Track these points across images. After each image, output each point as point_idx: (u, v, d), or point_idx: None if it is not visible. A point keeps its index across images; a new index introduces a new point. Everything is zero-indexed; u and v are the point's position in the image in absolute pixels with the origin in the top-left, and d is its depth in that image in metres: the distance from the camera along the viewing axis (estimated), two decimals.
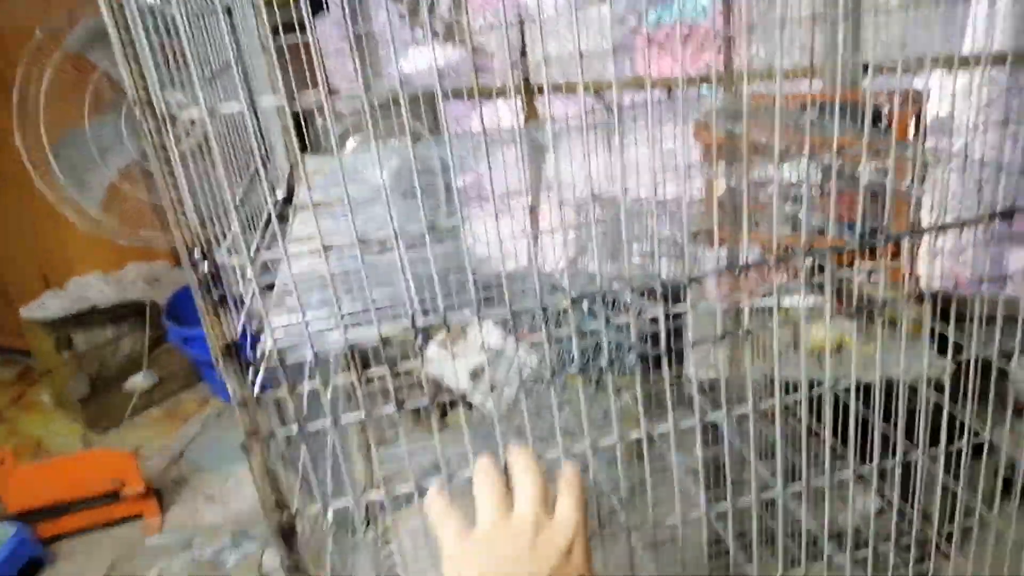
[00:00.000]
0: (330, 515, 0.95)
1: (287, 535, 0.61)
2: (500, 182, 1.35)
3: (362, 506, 0.96)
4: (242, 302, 0.64)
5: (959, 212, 0.65)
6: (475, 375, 2.69)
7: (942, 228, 0.64)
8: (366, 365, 0.87)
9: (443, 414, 2.39)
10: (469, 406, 2.86)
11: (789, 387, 1.39)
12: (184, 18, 0.59)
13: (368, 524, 1.35)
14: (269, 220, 0.95)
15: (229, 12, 0.93)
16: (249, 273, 0.57)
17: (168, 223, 0.57)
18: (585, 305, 0.69)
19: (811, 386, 0.91)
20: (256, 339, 0.60)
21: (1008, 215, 0.63)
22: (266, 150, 1.06)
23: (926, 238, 0.75)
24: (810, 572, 1.06)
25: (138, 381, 3.45)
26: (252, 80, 1.02)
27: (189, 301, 0.64)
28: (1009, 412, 0.86)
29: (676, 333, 0.94)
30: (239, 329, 0.61)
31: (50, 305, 3.24)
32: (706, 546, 1.04)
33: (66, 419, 3.47)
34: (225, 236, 0.66)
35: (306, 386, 0.60)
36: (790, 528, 1.39)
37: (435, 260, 0.66)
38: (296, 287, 0.58)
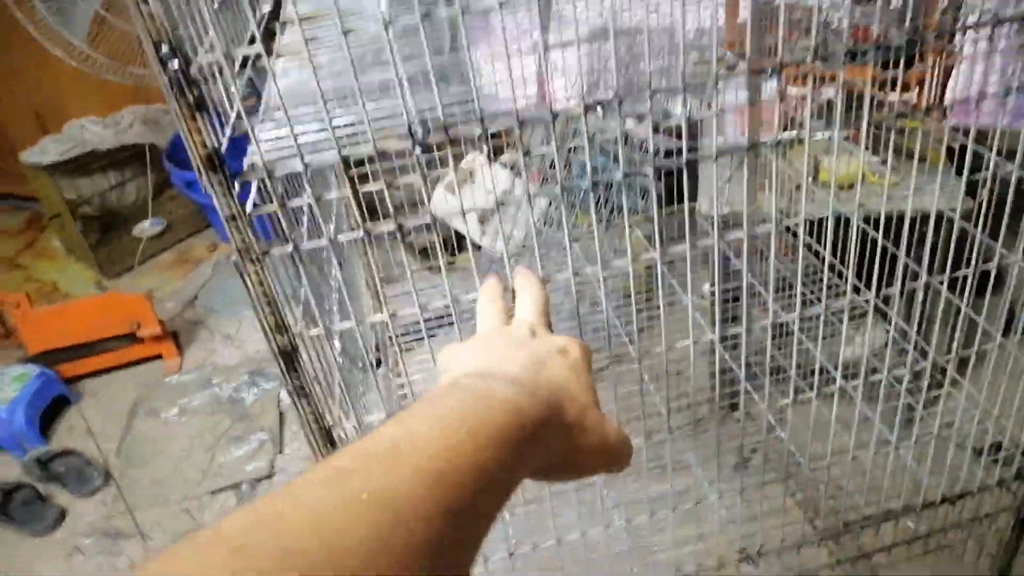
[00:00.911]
0: (336, 341, 0.95)
1: (288, 357, 0.59)
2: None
3: (367, 332, 0.95)
4: (226, 113, 0.59)
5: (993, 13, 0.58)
6: (484, 218, 2.66)
7: (971, 27, 0.57)
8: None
9: (452, 254, 2.38)
10: (478, 247, 2.85)
11: (810, 223, 1.35)
12: None
13: (379, 362, 1.36)
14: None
15: None
16: (229, 76, 0.52)
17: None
18: (596, 138, 0.64)
19: (837, 220, 0.87)
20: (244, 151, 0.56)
21: None
22: None
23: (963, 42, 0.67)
24: (816, 403, 1.07)
25: (146, 227, 3.45)
26: None
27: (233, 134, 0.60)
28: (1020, 244, 0.82)
29: (690, 169, 0.88)
30: (225, 139, 0.57)
31: (50, 150, 3.17)
32: (717, 376, 1.04)
33: (79, 264, 3.50)
34: (202, 42, 0.60)
35: (306, 200, 0.56)
36: (799, 360, 1.40)
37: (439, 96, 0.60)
38: (281, 97, 0.53)
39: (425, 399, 0.40)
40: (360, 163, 0.61)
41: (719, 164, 0.73)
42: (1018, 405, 0.94)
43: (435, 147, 0.56)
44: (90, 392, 2.80)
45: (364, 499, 0.30)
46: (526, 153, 0.66)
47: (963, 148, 0.94)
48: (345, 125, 0.57)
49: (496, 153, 2.71)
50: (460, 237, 2.74)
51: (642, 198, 2.05)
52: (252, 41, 0.78)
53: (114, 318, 2.72)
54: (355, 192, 0.64)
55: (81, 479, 2.37)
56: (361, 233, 0.56)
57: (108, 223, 3.46)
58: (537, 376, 0.44)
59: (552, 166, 2.47)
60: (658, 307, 0.91)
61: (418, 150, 0.51)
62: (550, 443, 0.42)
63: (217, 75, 0.55)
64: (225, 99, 0.60)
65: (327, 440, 0.66)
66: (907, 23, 0.59)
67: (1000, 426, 0.94)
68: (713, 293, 1.38)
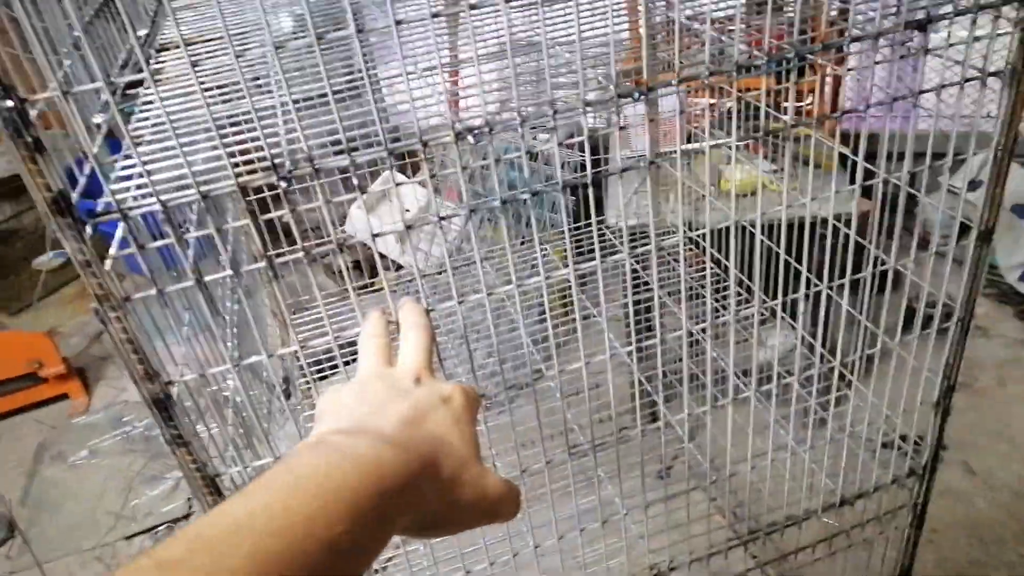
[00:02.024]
0: (231, 380, 0.90)
1: (162, 406, 0.56)
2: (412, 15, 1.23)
3: (272, 366, 0.91)
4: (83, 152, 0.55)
5: (879, 18, 0.59)
6: (402, 237, 2.62)
7: (855, 39, 0.58)
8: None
9: (371, 276, 2.34)
10: (398, 267, 2.81)
11: (713, 232, 1.37)
12: None
13: (289, 395, 1.31)
14: (126, 63, 0.83)
15: None
16: (74, 111, 0.48)
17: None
18: (504, 154, 0.63)
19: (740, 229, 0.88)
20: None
21: (922, 26, 0.57)
22: None
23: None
24: (729, 410, 1.08)
25: (46, 259, 3.27)
26: None
27: (91, 172, 0.55)
28: (914, 243, 0.85)
29: (596, 183, 0.88)
30: (82, 178, 0.53)
31: None
32: (632, 387, 1.04)
33: None
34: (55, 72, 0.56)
35: (194, 236, 0.53)
36: (715, 367, 1.41)
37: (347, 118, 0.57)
38: (127, 131, 0.50)
39: (284, 462, 0.38)
40: (272, 187, 0.58)
41: (625, 178, 0.73)
42: (907, 404, 0.96)
43: (326, 175, 0.53)
44: None
45: None
46: (432, 176, 0.64)
47: (855, 153, 0.97)
48: (208, 159, 0.54)
49: (415, 171, 2.68)
50: (383, 257, 2.70)
51: (553, 212, 2.06)
52: (124, 68, 0.74)
53: (13, 358, 2.57)
54: (255, 220, 0.60)
55: None
56: (228, 272, 0.53)
57: (5, 256, 3.28)
58: (413, 432, 0.43)
59: (469, 180, 2.46)
60: (582, 321, 0.90)
61: (283, 184, 0.49)
62: (421, 500, 0.40)
63: (71, 112, 0.52)
64: (80, 132, 0.56)
65: (213, 489, 0.62)
66: (796, 36, 0.60)
67: (893, 424, 0.97)
68: (625, 306, 1.39)
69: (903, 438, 1.03)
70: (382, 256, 2.61)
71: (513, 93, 0.60)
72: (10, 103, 0.44)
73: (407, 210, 2.76)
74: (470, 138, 0.50)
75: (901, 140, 0.87)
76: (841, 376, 1.05)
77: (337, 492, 0.35)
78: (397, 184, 0.63)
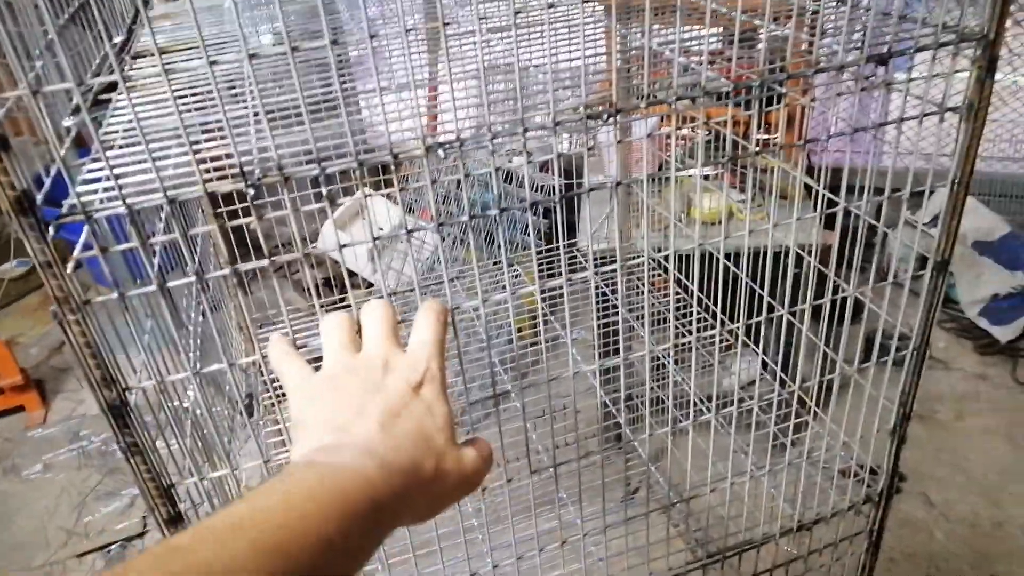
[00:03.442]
0: (191, 391, 0.89)
1: (118, 412, 0.55)
2: (393, 32, 1.24)
3: (234, 378, 0.91)
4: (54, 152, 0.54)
5: (842, 51, 0.61)
6: (373, 255, 2.61)
7: (819, 71, 0.60)
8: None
9: (342, 293, 2.32)
10: (369, 286, 2.80)
11: (680, 257, 1.39)
12: None
13: (252, 412, 1.30)
14: (100, 68, 0.83)
15: None
16: (42, 111, 0.48)
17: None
18: (476, 173, 0.64)
19: (708, 256, 0.90)
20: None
21: (883, 60, 0.59)
22: None
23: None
24: (695, 433, 1.09)
25: (8, 268, 3.21)
26: None
27: (59, 180, 0.55)
28: (872, 273, 0.87)
29: (570, 206, 0.89)
30: (48, 179, 0.53)
31: None
32: (599, 409, 1.04)
33: None
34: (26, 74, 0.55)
35: (158, 240, 0.52)
36: (678, 391, 1.42)
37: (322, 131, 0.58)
38: (96, 135, 0.50)
39: (279, 475, 0.41)
40: (242, 197, 0.58)
41: (596, 200, 0.74)
42: (865, 432, 0.98)
43: (296, 186, 0.54)
44: None
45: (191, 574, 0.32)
46: (402, 189, 0.64)
47: (819, 184, 0.99)
48: (177, 165, 0.53)
49: (388, 188, 2.68)
50: (352, 274, 2.69)
51: (525, 234, 2.07)
52: (98, 74, 0.73)
53: None
54: (223, 229, 0.60)
55: None
56: (192, 278, 0.53)
57: None
58: (392, 434, 0.44)
59: (443, 201, 2.47)
60: (548, 342, 0.91)
61: (251, 192, 0.49)
62: (408, 504, 0.43)
63: (38, 112, 0.51)
64: (50, 137, 0.56)
65: (168, 500, 0.61)
66: (763, 65, 0.61)
67: (851, 451, 0.98)
68: (594, 328, 1.40)
69: (860, 465, 1.05)
70: (352, 274, 2.60)
71: (485, 111, 0.61)
72: None
73: (380, 228, 2.76)
74: (440, 152, 0.51)
75: (864, 175, 0.89)
76: (801, 403, 1.07)
77: (330, 495, 0.38)
78: (366, 195, 0.63)
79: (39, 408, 2.66)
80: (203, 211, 1.23)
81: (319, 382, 0.49)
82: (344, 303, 2.20)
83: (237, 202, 1.38)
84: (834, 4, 0.75)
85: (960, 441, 2.37)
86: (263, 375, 1.44)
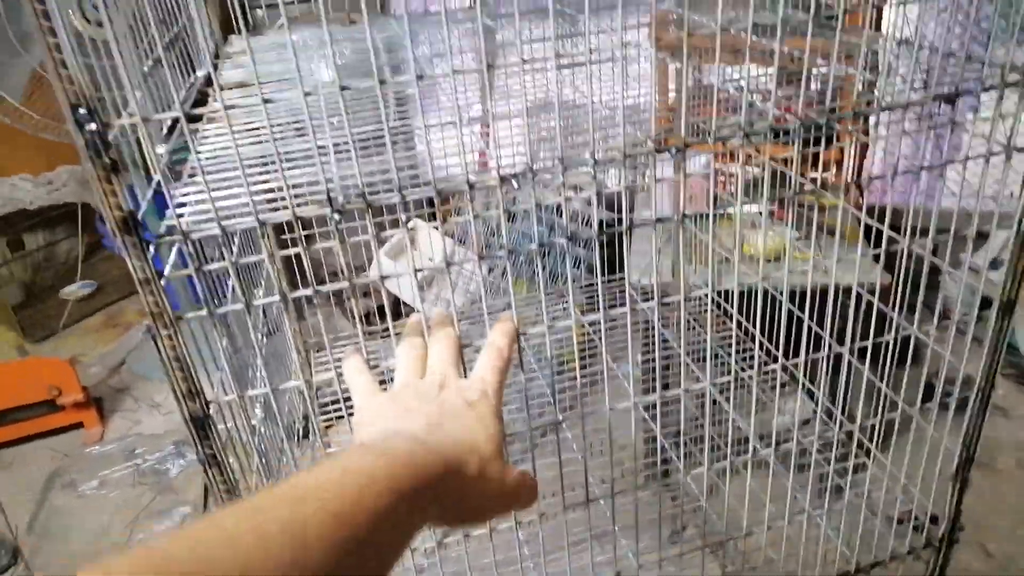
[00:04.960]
0: (258, 409, 0.92)
1: (200, 425, 0.58)
2: (452, 86, 1.29)
3: (290, 399, 0.93)
4: (148, 175, 0.58)
5: (909, 91, 0.62)
6: (424, 284, 2.66)
7: (885, 108, 0.61)
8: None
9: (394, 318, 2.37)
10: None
11: (731, 294, 1.39)
12: None
13: (307, 434, 1.33)
14: (187, 99, 0.88)
15: None
16: (148, 140, 0.52)
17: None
18: (535, 210, 0.66)
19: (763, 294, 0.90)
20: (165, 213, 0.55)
21: (950, 99, 0.60)
22: (185, 25, 0.97)
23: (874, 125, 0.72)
24: (743, 472, 1.08)
25: (74, 288, 3.34)
26: None
27: (133, 199, 0.59)
28: (936, 316, 0.86)
29: (619, 241, 0.91)
30: (145, 201, 0.56)
31: None
32: (645, 444, 1.04)
33: (1, 328, 3.35)
34: (128, 105, 0.60)
35: (226, 264, 0.56)
36: (725, 430, 1.41)
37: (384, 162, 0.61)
38: (200, 162, 0.53)
39: (337, 456, 0.44)
40: (306, 225, 0.62)
41: (643, 235, 0.75)
42: (925, 475, 0.96)
43: (372, 213, 0.56)
44: (3, 464, 2.65)
45: (273, 529, 0.36)
46: (445, 218, 0.67)
47: (878, 225, 0.99)
48: (267, 191, 0.57)
49: (435, 220, 2.73)
50: (402, 303, 2.73)
51: (576, 266, 2.09)
52: (189, 103, 0.78)
53: (33, 384, 2.60)
54: (279, 255, 0.62)
55: None
56: (275, 296, 0.56)
57: (34, 284, 3.35)
58: (439, 433, 0.48)
59: (492, 234, 2.50)
60: (596, 374, 0.92)
61: (336, 217, 0.52)
62: (448, 492, 0.46)
63: (142, 137, 0.55)
64: (152, 161, 0.60)
65: None
66: (826, 104, 0.63)
67: (911, 495, 0.96)
68: (645, 362, 1.40)
69: (920, 511, 1.02)
70: (403, 303, 2.64)
71: (552, 144, 0.63)
72: (93, 126, 0.48)
73: (430, 259, 2.80)
74: (514, 182, 0.53)
75: (925, 216, 0.89)
76: (859, 444, 1.05)
77: (382, 476, 0.42)
78: (409, 228, 0.65)
79: (97, 425, 2.75)
80: (267, 237, 1.28)
81: (384, 398, 0.54)
82: (391, 331, 2.24)
83: (298, 230, 1.43)
84: (897, 45, 0.76)
85: (1021, 491, 2.29)
86: (318, 398, 1.47)
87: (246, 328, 1.01)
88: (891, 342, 0.92)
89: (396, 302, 2.63)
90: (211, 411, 0.59)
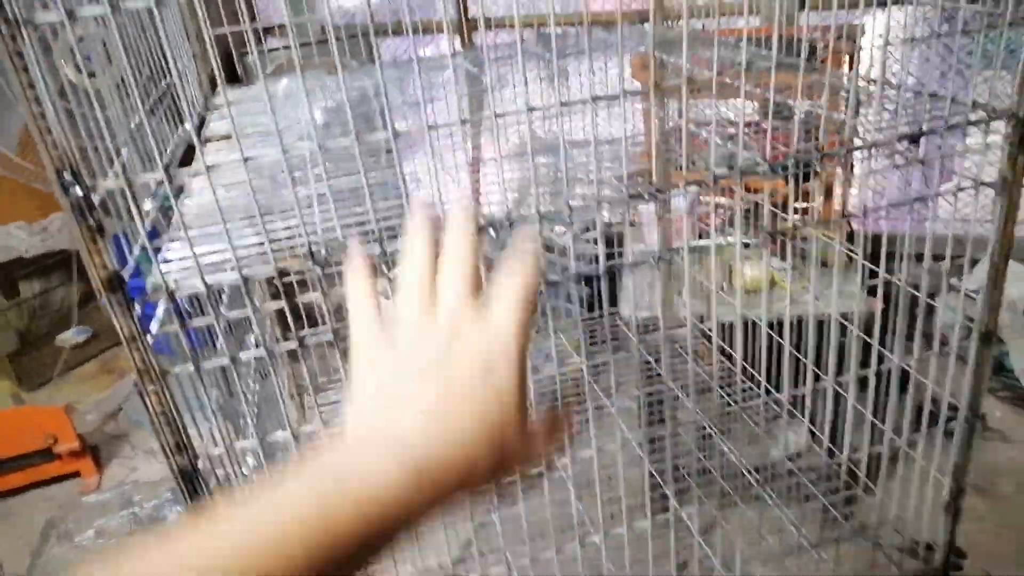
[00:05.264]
0: (250, 458, 0.93)
1: (189, 478, 0.58)
2: (440, 117, 1.31)
3: (282, 446, 0.93)
4: (133, 232, 0.59)
5: (875, 136, 0.64)
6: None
7: (851, 149, 0.63)
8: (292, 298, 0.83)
9: None
10: None
11: (724, 326, 1.40)
12: None
13: None
14: (176, 152, 0.90)
15: None
16: (133, 199, 0.53)
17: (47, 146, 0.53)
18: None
19: (752, 327, 0.91)
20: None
21: (915, 139, 0.62)
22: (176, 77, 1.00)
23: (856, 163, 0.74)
24: (742, 507, 1.08)
25: (69, 336, 3.33)
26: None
27: (119, 252, 0.60)
28: (916, 342, 0.87)
29: (611, 275, 0.92)
30: (132, 258, 0.57)
31: None
32: (644, 479, 1.04)
33: None
34: (113, 162, 0.61)
35: (215, 319, 0.57)
36: (722, 465, 1.41)
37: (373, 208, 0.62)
38: (182, 219, 0.54)
39: (286, 478, 0.37)
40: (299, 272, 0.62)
41: (638, 271, 0.76)
42: (917, 505, 0.96)
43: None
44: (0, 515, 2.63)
45: None
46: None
47: (865, 251, 1.00)
48: (251, 245, 0.58)
49: None
50: None
51: (568, 302, 2.10)
52: (177, 158, 0.80)
53: (29, 432, 2.59)
54: (268, 308, 0.64)
55: None
56: (262, 351, 0.57)
57: (29, 332, 3.34)
58: (441, 427, 0.39)
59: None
60: (588, 412, 0.92)
61: (318, 269, 0.53)
62: (440, 501, 0.39)
63: (127, 197, 0.57)
64: (136, 218, 0.61)
65: None
66: (803, 142, 0.64)
67: (906, 525, 0.96)
68: (639, 397, 1.40)
69: (915, 541, 1.02)
70: None
71: (533, 191, 0.65)
72: (79, 190, 0.49)
73: None
74: (491, 231, 0.54)
75: (915, 243, 0.90)
76: (852, 475, 1.05)
77: (330, 502, 0.36)
78: (391, 280, 0.66)
79: (94, 474, 2.73)
80: (250, 293, 1.29)
81: (384, 345, 0.43)
82: None
83: (278, 282, 1.45)
84: (867, 83, 0.78)
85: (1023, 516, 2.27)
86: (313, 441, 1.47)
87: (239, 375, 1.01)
88: (882, 371, 0.93)
89: None
90: (199, 464, 0.60)
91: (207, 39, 1.04)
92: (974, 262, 0.80)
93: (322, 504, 0.35)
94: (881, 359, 0.90)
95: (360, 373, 0.43)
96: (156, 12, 0.51)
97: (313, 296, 0.56)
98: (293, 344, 0.56)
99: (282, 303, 0.58)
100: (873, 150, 0.69)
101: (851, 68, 1.31)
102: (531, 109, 0.59)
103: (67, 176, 0.48)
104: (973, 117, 0.64)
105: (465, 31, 2.12)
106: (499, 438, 0.40)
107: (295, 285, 1.41)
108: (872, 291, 1.10)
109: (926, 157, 0.63)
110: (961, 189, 0.68)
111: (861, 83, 0.87)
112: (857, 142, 0.68)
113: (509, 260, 0.43)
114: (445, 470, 0.39)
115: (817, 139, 0.89)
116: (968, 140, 0.69)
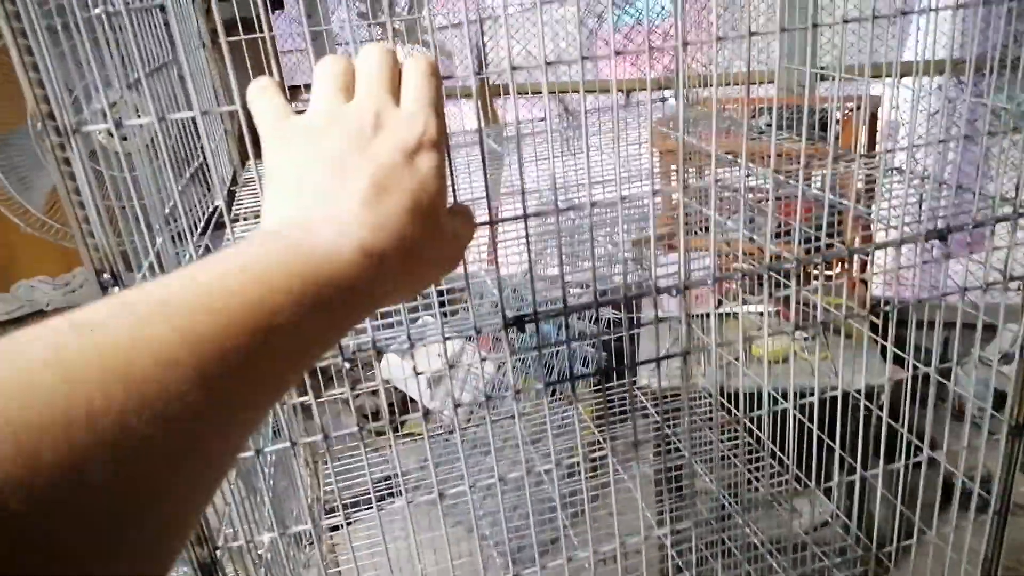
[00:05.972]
0: (264, 549, 0.92)
1: (208, 572, 0.57)
2: (461, 188, 1.33)
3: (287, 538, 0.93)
4: None
5: (901, 227, 0.64)
6: (432, 382, 2.66)
7: (879, 246, 0.63)
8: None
9: (402, 414, 2.36)
10: (427, 412, 2.83)
11: (741, 398, 1.39)
12: (104, 17, 0.56)
13: (314, 544, 1.31)
14: (205, 229, 0.91)
15: (162, 8, 0.89)
16: None
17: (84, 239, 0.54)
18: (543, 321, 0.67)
19: (773, 400, 0.90)
20: None
21: (942, 236, 0.62)
22: (205, 157, 1.02)
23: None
24: None
25: None
26: (189, 83, 0.98)
27: None
28: (947, 417, 0.85)
29: (629, 341, 0.92)
30: None
31: None
32: (667, 559, 1.02)
33: None
34: (148, 252, 0.62)
35: None
36: (742, 542, 1.38)
37: None
38: None
39: (238, 245, 0.35)
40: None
41: (652, 335, 0.76)
42: None
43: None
44: None
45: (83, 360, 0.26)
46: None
47: (885, 324, 0.99)
48: None
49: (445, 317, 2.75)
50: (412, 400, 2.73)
51: (583, 365, 2.09)
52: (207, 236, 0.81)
53: None
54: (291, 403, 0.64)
55: None
56: (288, 444, 0.56)
57: None
58: (377, 212, 0.39)
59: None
60: (603, 483, 0.91)
61: (346, 365, 0.53)
62: (386, 287, 0.39)
63: None
64: None
65: None
66: (796, 236, 0.64)
67: None
68: (657, 471, 1.39)
69: None
70: (410, 399, 2.63)
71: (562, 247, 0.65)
72: (118, 289, 0.49)
73: (439, 355, 2.81)
74: (518, 328, 0.55)
75: (931, 309, 0.90)
76: (879, 560, 1.03)
77: (288, 280, 0.33)
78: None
79: None
80: None
81: (299, 126, 0.42)
82: (408, 432, 2.22)
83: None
84: (893, 175, 0.79)
85: None
86: (325, 514, 1.46)
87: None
88: (905, 448, 0.91)
89: (404, 399, 2.64)
90: (219, 556, 0.59)
91: (240, 115, 1.06)
92: (989, 330, 0.79)
93: (289, 288, 0.33)
94: (907, 447, 0.88)
95: (275, 158, 0.42)
96: (198, 115, 0.53)
97: (343, 392, 0.56)
98: (319, 437, 0.56)
99: (308, 397, 0.58)
100: (902, 247, 0.69)
101: (870, 145, 1.32)
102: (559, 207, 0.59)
103: (106, 277, 0.49)
104: (1000, 213, 0.64)
105: (488, 102, 2.17)
106: (432, 221, 0.41)
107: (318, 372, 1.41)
108: (899, 359, 1.09)
109: (951, 251, 0.63)
110: (990, 285, 0.67)
111: (885, 171, 0.88)
112: (880, 234, 0.68)
113: (409, 61, 0.44)
114: (389, 253, 0.38)
115: (840, 224, 0.90)
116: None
